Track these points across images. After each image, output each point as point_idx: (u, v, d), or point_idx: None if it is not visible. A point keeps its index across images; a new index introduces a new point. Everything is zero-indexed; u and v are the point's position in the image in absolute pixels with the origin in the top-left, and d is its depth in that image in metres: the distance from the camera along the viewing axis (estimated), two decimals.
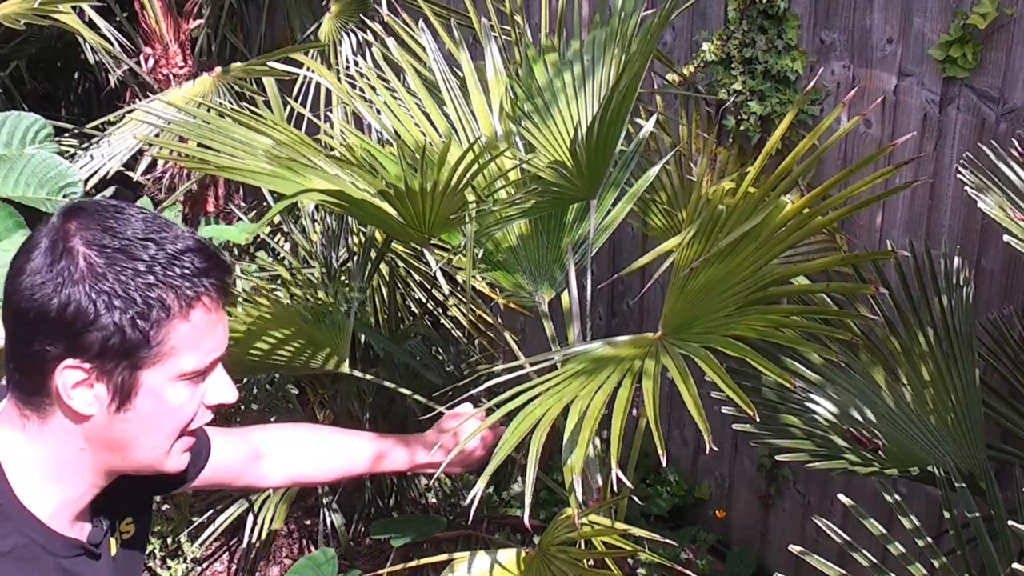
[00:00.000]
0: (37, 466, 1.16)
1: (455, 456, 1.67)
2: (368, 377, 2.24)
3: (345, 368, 2.16)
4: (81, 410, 1.13)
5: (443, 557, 1.77)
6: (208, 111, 2.63)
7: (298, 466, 1.68)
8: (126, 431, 1.16)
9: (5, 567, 1.13)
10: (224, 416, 2.56)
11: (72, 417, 1.14)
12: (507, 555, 1.75)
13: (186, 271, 1.13)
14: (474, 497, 1.51)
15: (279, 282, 2.70)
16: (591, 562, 1.67)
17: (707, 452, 1.57)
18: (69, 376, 1.11)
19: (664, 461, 1.40)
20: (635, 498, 1.94)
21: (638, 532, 1.67)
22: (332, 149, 2.16)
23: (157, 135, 2.99)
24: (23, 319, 1.10)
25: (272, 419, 2.94)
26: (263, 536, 2.89)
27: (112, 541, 1.28)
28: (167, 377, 1.15)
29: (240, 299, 2.31)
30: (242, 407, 2.96)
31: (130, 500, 1.28)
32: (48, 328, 1.09)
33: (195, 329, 1.15)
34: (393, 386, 2.24)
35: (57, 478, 1.18)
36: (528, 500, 1.48)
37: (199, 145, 1.95)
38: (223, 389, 1.22)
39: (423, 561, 1.80)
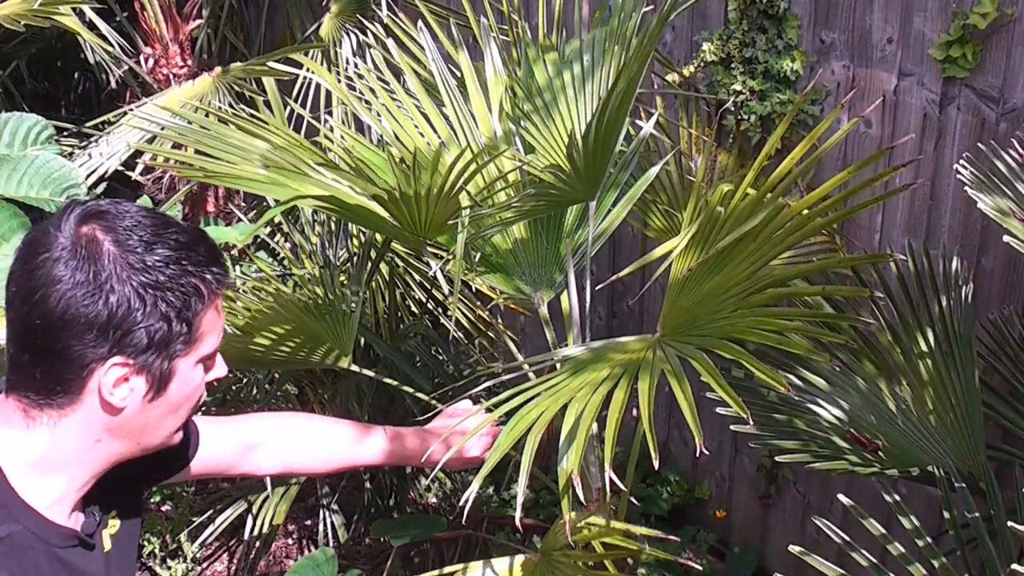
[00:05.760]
0: (38, 459, 1.17)
1: (453, 455, 1.67)
2: (369, 374, 2.24)
3: (347, 363, 2.15)
4: (117, 404, 1.16)
5: (448, 569, 1.76)
6: (206, 115, 2.62)
7: (292, 457, 1.68)
8: (151, 417, 1.20)
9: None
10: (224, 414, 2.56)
11: (106, 411, 1.16)
12: (509, 563, 1.74)
13: (202, 259, 1.18)
14: (469, 498, 1.51)
15: (282, 279, 2.70)
16: (593, 564, 1.67)
17: (699, 454, 1.58)
18: (112, 374, 1.14)
19: (657, 465, 1.40)
20: (633, 499, 1.93)
21: (639, 531, 1.67)
22: (329, 152, 2.15)
23: (152, 140, 2.99)
24: (65, 326, 1.11)
25: None
26: (263, 535, 2.89)
27: (104, 533, 1.29)
28: (194, 361, 1.20)
29: (243, 293, 2.31)
30: (241, 407, 2.96)
31: (119, 491, 1.29)
32: (96, 331, 1.11)
33: (218, 313, 1.22)
34: (396, 384, 2.24)
35: (59, 470, 1.18)
36: (520, 500, 1.49)
37: (196, 151, 1.94)
38: (219, 366, 1.29)
39: None
